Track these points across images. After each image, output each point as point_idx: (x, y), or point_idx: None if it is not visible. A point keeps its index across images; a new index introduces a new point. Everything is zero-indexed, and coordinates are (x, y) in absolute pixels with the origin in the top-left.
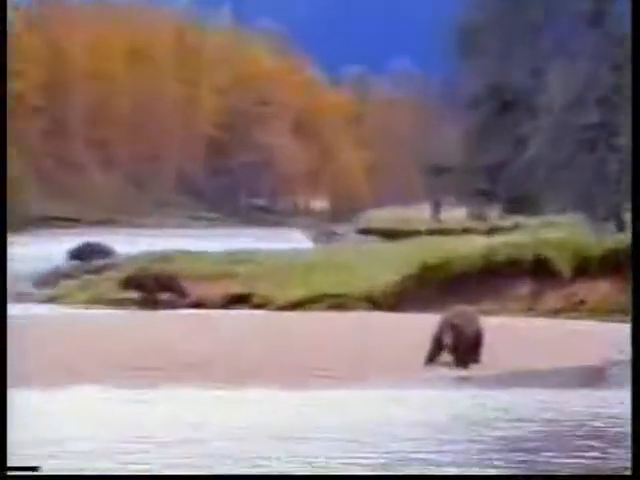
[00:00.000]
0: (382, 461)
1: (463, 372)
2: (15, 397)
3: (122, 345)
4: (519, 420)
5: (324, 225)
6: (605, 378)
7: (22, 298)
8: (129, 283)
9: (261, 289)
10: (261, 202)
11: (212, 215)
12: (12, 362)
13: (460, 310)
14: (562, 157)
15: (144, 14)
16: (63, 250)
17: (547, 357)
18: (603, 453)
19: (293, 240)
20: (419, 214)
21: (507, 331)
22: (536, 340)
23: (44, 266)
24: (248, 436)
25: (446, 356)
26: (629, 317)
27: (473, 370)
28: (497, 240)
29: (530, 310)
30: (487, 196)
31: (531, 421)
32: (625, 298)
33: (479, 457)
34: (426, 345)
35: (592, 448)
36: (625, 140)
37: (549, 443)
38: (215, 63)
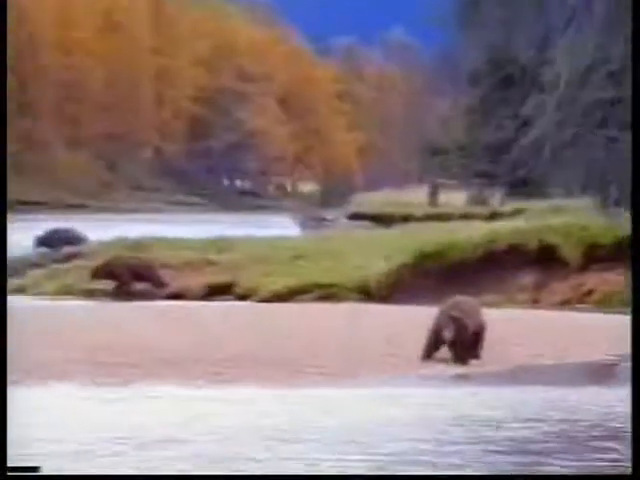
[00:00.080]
0: (378, 463)
1: (462, 369)
2: None
3: (93, 339)
4: (528, 420)
5: (313, 210)
6: (616, 374)
7: None
8: (101, 272)
9: (245, 279)
10: (245, 185)
11: (192, 199)
12: None
13: (460, 301)
14: (570, 136)
15: None
16: (30, 237)
17: (553, 352)
18: (621, 455)
19: (279, 226)
20: (415, 198)
21: (510, 324)
22: (541, 334)
23: (10, 254)
24: (234, 437)
25: (444, 351)
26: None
27: (473, 366)
28: (499, 226)
29: (535, 301)
30: (488, 178)
31: (540, 421)
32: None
33: (483, 460)
34: (423, 339)
35: (610, 450)
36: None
37: (561, 445)
38: (194, 34)
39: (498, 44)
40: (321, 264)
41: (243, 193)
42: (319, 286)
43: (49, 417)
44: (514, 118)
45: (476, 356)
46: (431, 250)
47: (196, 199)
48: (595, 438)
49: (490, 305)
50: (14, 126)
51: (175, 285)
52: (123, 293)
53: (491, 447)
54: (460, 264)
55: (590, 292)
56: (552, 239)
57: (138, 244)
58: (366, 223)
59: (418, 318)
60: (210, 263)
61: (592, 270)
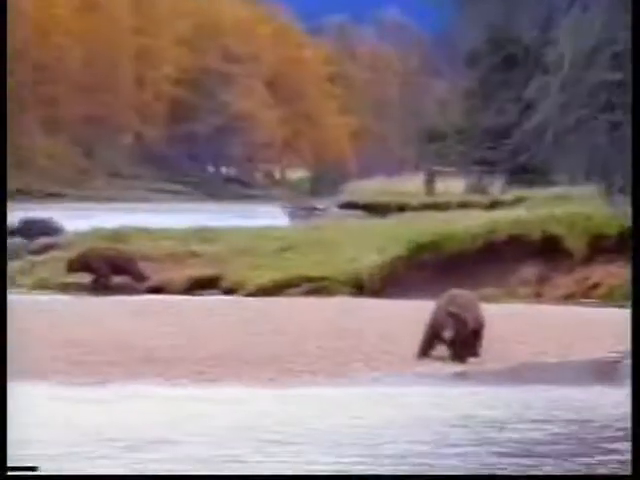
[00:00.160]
0: (371, 466)
1: (461, 367)
2: None
3: (69, 336)
4: (531, 421)
5: (303, 198)
6: (622, 372)
7: None
8: (76, 265)
9: (230, 272)
10: (231, 172)
11: (174, 187)
12: None
13: (457, 295)
14: (574, 120)
15: None
16: None
17: (557, 349)
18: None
19: (267, 216)
20: (411, 186)
21: (511, 320)
22: (544, 330)
23: None
24: (223, 438)
25: (441, 349)
26: None
27: (472, 364)
28: (499, 216)
29: (537, 296)
30: (488, 165)
31: (545, 422)
32: None
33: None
34: (418, 336)
35: (617, 452)
36: None
37: (567, 447)
38: (176, 13)
39: (498, 22)
40: (311, 256)
41: (228, 181)
42: (309, 279)
43: (25, 417)
44: (516, 101)
45: (475, 354)
46: (427, 241)
47: (179, 187)
48: (603, 440)
49: (490, 300)
50: None
51: (156, 278)
52: (101, 287)
53: (494, 449)
54: (458, 256)
55: (596, 286)
56: (555, 229)
57: (117, 234)
58: (359, 213)
59: (413, 313)
60: (193, 255)
61: (597, 262)
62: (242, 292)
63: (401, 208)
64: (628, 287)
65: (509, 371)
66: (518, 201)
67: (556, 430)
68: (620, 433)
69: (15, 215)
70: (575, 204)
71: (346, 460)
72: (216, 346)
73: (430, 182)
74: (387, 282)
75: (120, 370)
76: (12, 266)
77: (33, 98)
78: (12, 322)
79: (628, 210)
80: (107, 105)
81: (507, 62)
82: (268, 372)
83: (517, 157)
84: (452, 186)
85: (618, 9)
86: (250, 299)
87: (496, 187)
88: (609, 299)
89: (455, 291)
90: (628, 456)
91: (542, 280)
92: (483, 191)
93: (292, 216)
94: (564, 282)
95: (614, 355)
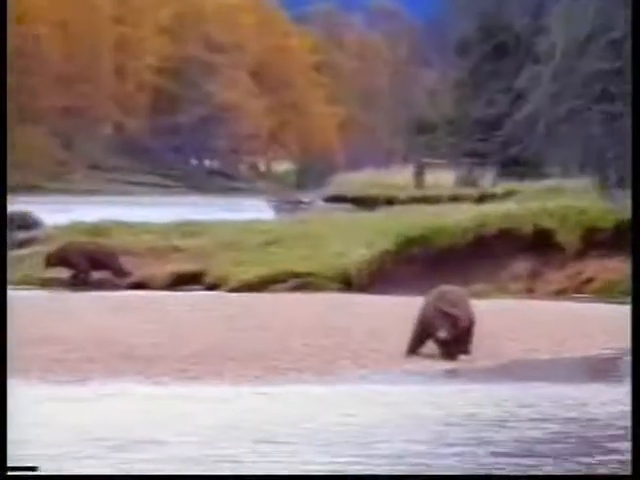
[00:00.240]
0: (366, 465)
1: (451, 364)
2: None
3: (47, 333)
4: (527, 420)
5: (288, 191)
6: (617, 369)
7: None
8: (55, 259)
9: (214, 267)
10: (214, 165)
11: (156, 180)
12: None
13: (447, 291)
14: (567, 111)
15: None
16: None
17: (549, 346)
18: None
19: (252, 209)
20: (399, 178)
21: (502, 316)
22: (536, 326)
23: None
24: (210, 437)
25: (431, 346)
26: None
27: (462, 362)
28: (490, 209)
29: (529, 291)
30: (479, 157)
31: (542, 420)
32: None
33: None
34: (407, 332)
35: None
36: None
37: (569, 445)
38: (157, 1)
39: (489, 10)
40: (297, 251)
41: (212, 173)
42: (295, 275)
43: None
44: (507, 91)
45: (465, 351)
46: (416, 235)
47: (161, 180)
48: (597, 438)
49: (480, 295)
50: None
51: (138, 274)
52: (80, 282)
53: (489, 448)
54: (448, 250)
55: (589, 280)
56: (547, 223)
57: (97, 228)
58: (346, 206)
59: (402, 309)
60: (176, 249)
61: (591, 257)
62: (226, 288)
63: (389, 201)
64: (623, 282)
65: (500, 368)
66: (509, 194)
67: (550, 428)
68: (615, 432)
69: None
70: (568, 197)
71: (339, 460)
72: (199, 343)
73: (419, 174)
74: (375, 277)
75: (101, 367)
76: None
77: (11, 88)
78: None
79: (624, 203)
80: (87, 96)
81: (498, 51)
82: (253, 370)
83: (508, 149)
84: (442, 179)
85: None
86: (234, 295)
87: (487, 180)
88: (603, 294)
89: (445, 287)
90: (623, 455)
91: (534, 275)
92: (473, 184)
93: (277, 210)
94: (556, 277)
95: (607, 352)
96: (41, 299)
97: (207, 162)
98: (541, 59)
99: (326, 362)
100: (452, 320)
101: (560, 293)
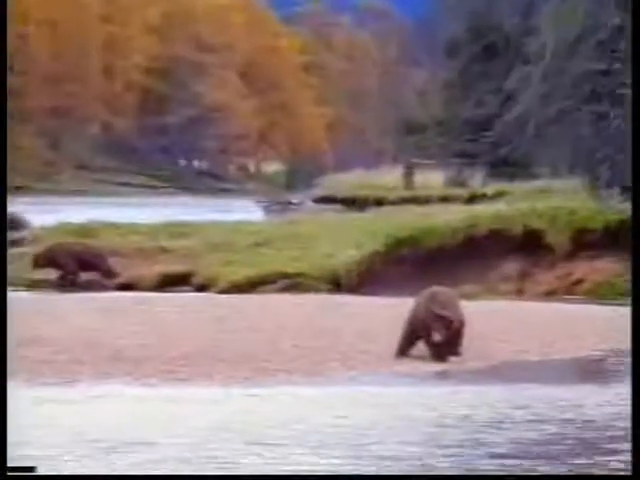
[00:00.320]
0: (358, 466)
1: (441, 366)
2: None
3: (36, 334)
4: (518, 422)
5: (278, 192)
6: (606, 370)
7: None
8: (43, 260)
9: (203, 268)
10: (203, 165)
11: (144, 180)
12: None
13: (438, 292)
14: (556, 111)
15: None
16: None
17: (539, 347)
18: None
19: (241, 210)
20: (389, 179)
21: (492, 317)
22: (526, 328)
23: None
24: (199, 439)
25: (421, 347)
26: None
27: (453, 363)
28: (480, 210)
29: (519, 292)
30: (468, 158)
31: (541, 422)
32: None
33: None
34: (397, 334)
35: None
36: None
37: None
38: (146, 0)
39: (479, 10)
40: (286, 252)
41: (201, 174)
42: (284, 276)
43: None
44: (496, 92)
45: (456, 353)
46: (406, 236)
47: (149, 180)
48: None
49: (470, 296)
50: None
51: (126, 275)
52: (68, 283)
53: (483, 449)
54: (437, 251)
55: (579, 281)
56: (537, 224)
57: (84, 229)
58: (336, 207)
59: (392, 310)
60: (164, 250)
61: (581, 258)
62: (215, 289)
63: (379, 202)
64: (613, 283)
65: (491, 370)
66: (499, 195)
67: (547, 430)
68: (611, 433)
69: None
70: (558, 198)
71: (329, 461)
72: (188, 344)
73: (409, 175)
74: (365, 278)
75: (89, 369)
76: None
77: None
78: None
79: (613, 204)
80: (74, 95)
81: (487, 51)
82: (243, 371)
83: (498, 149)
84: (431, 179)
85: None
86: (223, 296)
87: (476, 180)
88: (593, 295)
89: (436, 289)
90: (615, 456)
91: (524, 276)
92: (463, 184)
93: (267, 211)
94: (546, 278)
95: (597, 353)
96: (29, 300)
97: (196, 163)
98: (531, 60)
99: (316, 363)
100: (445, 322)
101: (550, 294)
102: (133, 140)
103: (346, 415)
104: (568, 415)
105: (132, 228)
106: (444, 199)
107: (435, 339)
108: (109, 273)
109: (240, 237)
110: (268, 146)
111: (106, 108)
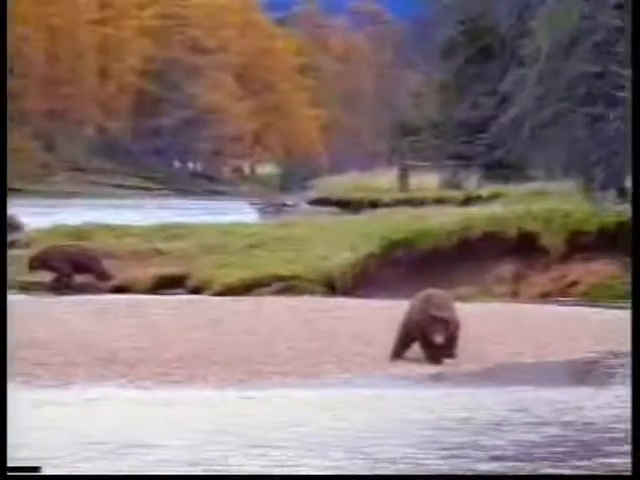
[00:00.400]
0: (355, 467)
1: (436, 368)
2: None
3: (30, 337)
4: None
5: (272, 194)
6: (601, 373)
7: None
8: (37, 263)
9: (197, 270)
10: (198, 167)
11: (139, 182)
12: None
13: (434, 296)
14: (551, 114)
15: None
16: None
17: (534, 350)
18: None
19: (236, 212)
20: (384, 181)
21: (486, 320)
22: (521, 330)
23: None
24: (196, 441)
25: (416, 349)
26: (629, 302)
27: (447, 366)
28: (475, 212)
29: (513, 294)
30: (463, 160)
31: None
32: (626, 280)
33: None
34: (392, 336)
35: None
36: (627, 93)
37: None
38: (140, 2)
39: (474, 13)
40: (281, 254)
41: (196, 176)
42: (279, 278)
43: None
44: (491, 94)
45: (450, 355)
46: (401, 238)
47: (144, 182)
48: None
49: (465, 298)
50: None
51: (120, 277)
52: (62, 286)
53: (480, 451)
54: (432, 253)
55: (574, 284)
56: (532, 226)
57: (79, 231)
58: (330, 209)
59: (387, 313)
60: (159, 253)
61: (576, 260)
62: (209, 291)
63: (374, 204)
64: (609, 285)
65: (486, 372)
66: (494, 197)
67: (547, 432)
68: (608, 435)
69: None
70: (553, 200)
71: (326, 463)
72: (182, 347)
73: (404, 177)
74: (360, 280)
75: (84, 372)
76: None
77: None
78: None
79: (608, 206)
80: (69, 98)
81: (483, 54)
82: (237, 373)
83: (493, 152)
84: (426, 181)
85: None
86: (218, 298)
87: (471, 182)
88: (588, 297)
89: (431, 291)
90: (608, 459)
91: (518, 278)
92: (458, 187)
93: (262, 212)
94: (541, 280)
95: (592, 355)
96: (23, 303)
97: (190, 165)
98: (526, 62)
99: (310, 366)
100: (443, 324)
101: (544, 296)
102: (128, 142)
103: (341, 417)
104: (567, 418)
105: (127, 230)
106: (439, 201)
107: (437, 340)
108: (103, 275)
109: (234, 239)
110: (263, 148)
111: (101, 110)
